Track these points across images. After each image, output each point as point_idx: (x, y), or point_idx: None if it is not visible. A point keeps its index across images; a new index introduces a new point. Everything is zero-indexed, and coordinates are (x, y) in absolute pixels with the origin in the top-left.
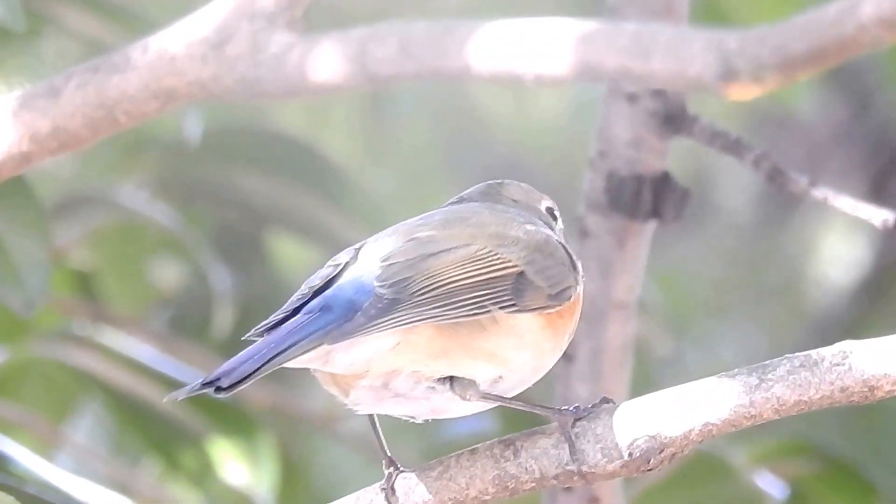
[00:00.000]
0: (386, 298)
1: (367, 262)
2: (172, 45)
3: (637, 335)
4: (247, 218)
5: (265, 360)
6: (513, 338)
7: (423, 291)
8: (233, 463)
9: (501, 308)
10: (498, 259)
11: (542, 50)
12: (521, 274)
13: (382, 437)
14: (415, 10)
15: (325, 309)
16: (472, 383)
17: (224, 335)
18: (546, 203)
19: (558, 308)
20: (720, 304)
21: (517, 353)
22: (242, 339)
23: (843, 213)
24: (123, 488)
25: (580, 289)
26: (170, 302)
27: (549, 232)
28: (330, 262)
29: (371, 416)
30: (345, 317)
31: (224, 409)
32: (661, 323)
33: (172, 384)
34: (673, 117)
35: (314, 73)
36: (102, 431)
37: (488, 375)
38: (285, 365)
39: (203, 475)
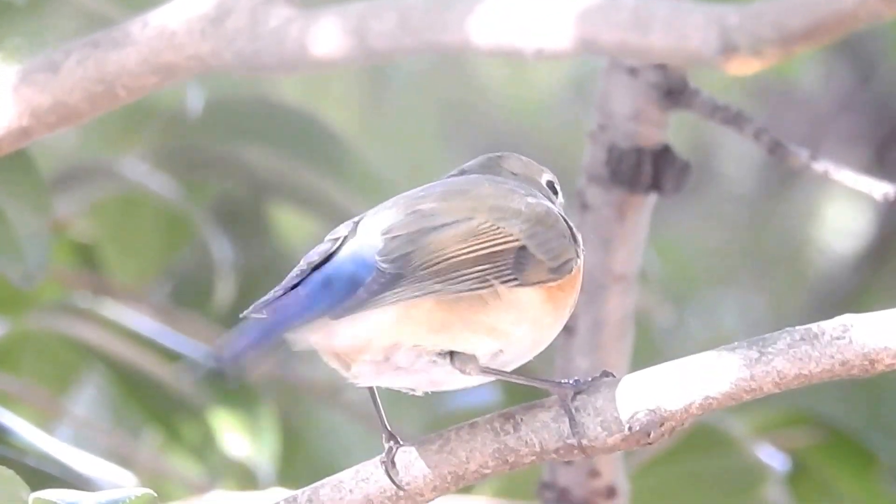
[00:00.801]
0: (388, 273)
1: (367, 236)
2: (172, 20)
3: (639, 306)
4: (248, 189)
5: (268, 337)
6: (513, 312)
7: (425, 266)
8: (233, 434)
9: (503, 282)
10: (500, 233)
11: (542, 24)
12: (523, 248)
13: (383, 411)
14: None
15: (326, 284)
16: (472, 358)
17: (225, 306)
18: (546, 176)
19: (559, 281)
20: (723, 273)
21: (517, 327)
22: (241, 315)
23: (843, 184)
24: (124, 460)
25: (580, 261)
26: (171, 274)
27: (549, 204)
28: (329, 237)
29: (371, 390)
30: (346, 292)
31: (225, 381)
32: (662, 294)
33: (173, 356)
34: (674, 91)
35: (313, 47)
36: (103, 403)
37: (489, 349)
38: (288, 340)
39: (204, 447)
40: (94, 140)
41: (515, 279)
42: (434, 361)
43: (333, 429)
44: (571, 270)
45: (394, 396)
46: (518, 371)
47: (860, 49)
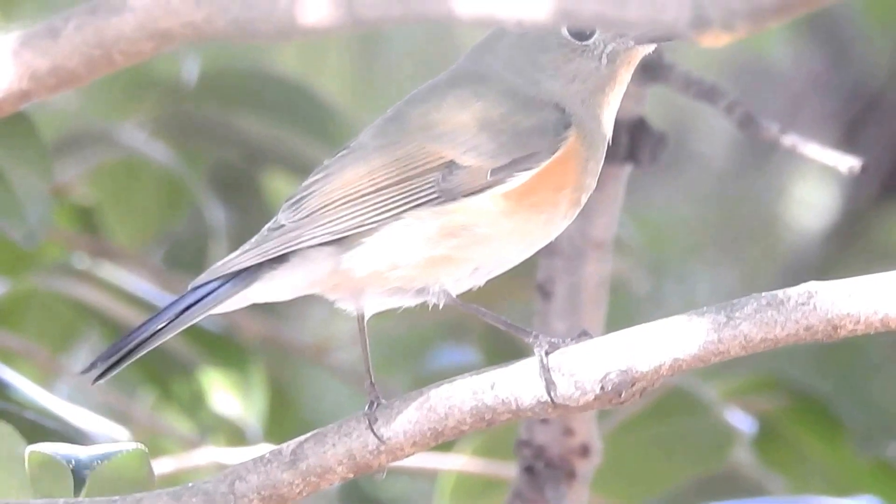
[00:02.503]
0: (276, 224)
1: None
2: None
3: (615, 273)
4: (242, 157)
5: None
6: (467, 234)
7: (310, 212)
8: (224, 393)
9: (419, 206)
10: (421, 154)
11: None
12: (451, 162)
13: (370, 361)
14: None
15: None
16: (443, 292)
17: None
18: (565, 26)
19: (520, 183)
20: (696, 246)
21: (478, 248)
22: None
23: (814, 162)
24: (119, 416)
25: (564, 147)
26: (167, 237)
27: (510, 98)
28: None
29: (362, 338)
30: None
31: (216, 341)
32: (638, 262)
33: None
34: (650, 65)
35: (303, 15)
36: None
37: (457, 274)
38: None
39: (195, 405)
40: (94, 108)
41: (438, 196)
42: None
43: (321, 389)
44: (541, 163)
45: (378, 357)
46: (498, 316)
47: (834, 32)
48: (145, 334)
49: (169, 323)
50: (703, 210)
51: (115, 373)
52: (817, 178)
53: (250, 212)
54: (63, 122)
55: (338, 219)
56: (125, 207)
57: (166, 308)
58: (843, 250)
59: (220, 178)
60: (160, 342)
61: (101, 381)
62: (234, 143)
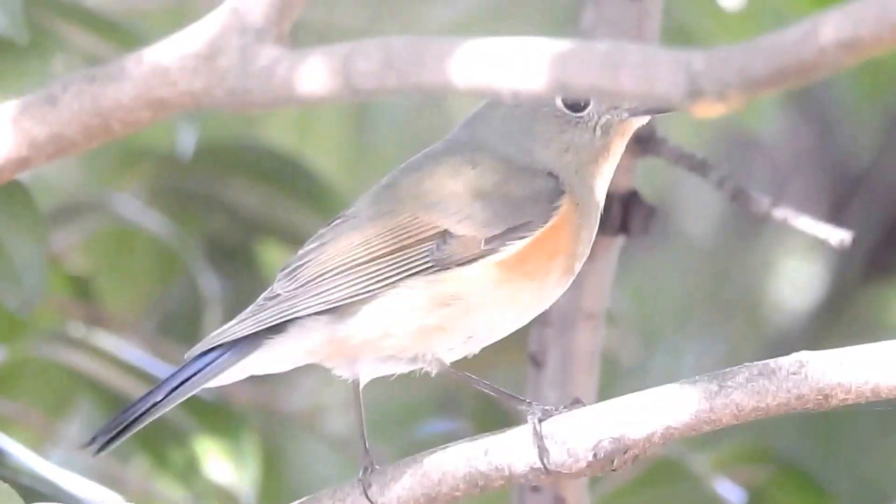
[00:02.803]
0: (272, 294)
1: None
2: (166, 57)
3: (605, 346)
4: (236, 227)
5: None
6: (460, 304)
7: (305, 282)
8: (217, 460)
9: (413, 275)
10: (415, 224)
11: (518, 67)
12: (445, 232)
13: (365, 428)
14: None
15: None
16: (436, 360)
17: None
18: (560, 97)
19: (513, 252)
20: (684, 321)
21: (471, 316)
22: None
23: (802, 238)
24: (114, 483)
25: (557, 215)
26: (161, 306)
27: (505, 167)
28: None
29: (357, 403)
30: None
31: (209, 409)
32: (629, 333)
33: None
34: (642, 137)
35: (300, 85)
36: (93, 429)
37: (450, 343)
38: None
39: (189, 472)
40: (90, 177)
41: (432, 266)
42: (401, 362)
43: (312, 456)
44: (534, 233)
45: (369, 423)
46: (491, 385)
47: (821, 110)
48: (145, 407)
49: (168, 395)
50: (690, 285)
51: (115, 445)
52: (804, 256)
53: (244, 282)
54: (59, 191)
55: (333, 288)
56: (120, 276)
57: (166, 380)
58: (828, 327)
59: (215, 248)
60: (160, 414)
61: (102, 453)
62: (228, 213)
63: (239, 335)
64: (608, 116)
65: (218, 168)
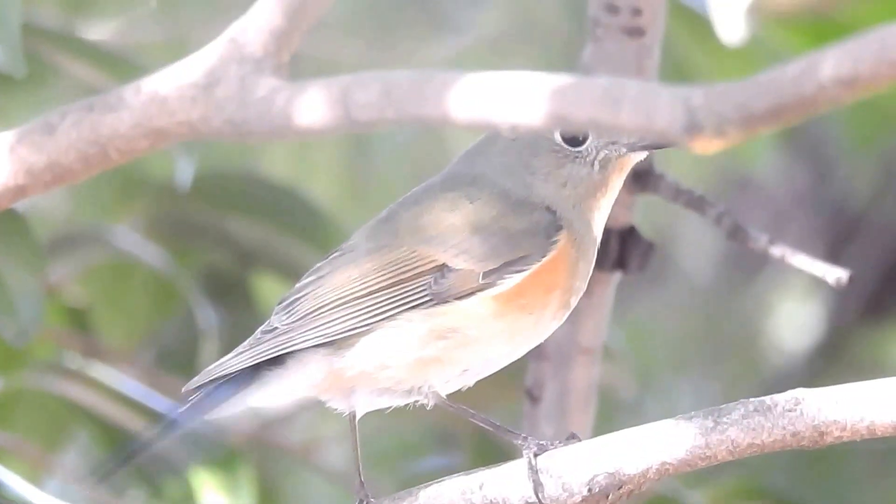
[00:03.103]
0: (269, 327)
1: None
2: (164, 86)
3: (602, 382)
4: (233, 259)
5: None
6: (457, 336)
7: (302, 315)
8: (213, 494)
9: (411, 309)
10: (413, 258)
11: (518, 100)
12: (444, 266)
13: (360, 461)
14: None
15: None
16: (432, 393)
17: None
18: (559, 131)
19: (510, 286)
20: (679, 361)
21: (468, 349)
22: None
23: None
24: None
25: (555, 249)
26: (158, 338)
27: (503, 200)
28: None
29: (353, 433)
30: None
31: (206, 442)
32: (625, 369)
33: (157, 417)
34: (641, 173)
35: (299, 116)
36: (91, 460)
37: (446, 375)
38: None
39: None
40: (87, 208)
41: (430, 299)
42: (396, 394)
43: (308, 489)
44: (531, 267)
45: (367, 457)
46: (486, 418)
47: (818, 151)
48: (146, 441)
49: (169, 426)
50: (686, 324)
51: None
52: (801, 297)
53: (241, 315)
54: (56, 222)
55: (331, 321)
56: (116, 308)
57: (166, 415)
58: (825, 369)
59: (212, 281)
60: (160, 443)
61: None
62: (226, 245)
63: (237, 368)
64: (606, 151)
65: (216, 200)
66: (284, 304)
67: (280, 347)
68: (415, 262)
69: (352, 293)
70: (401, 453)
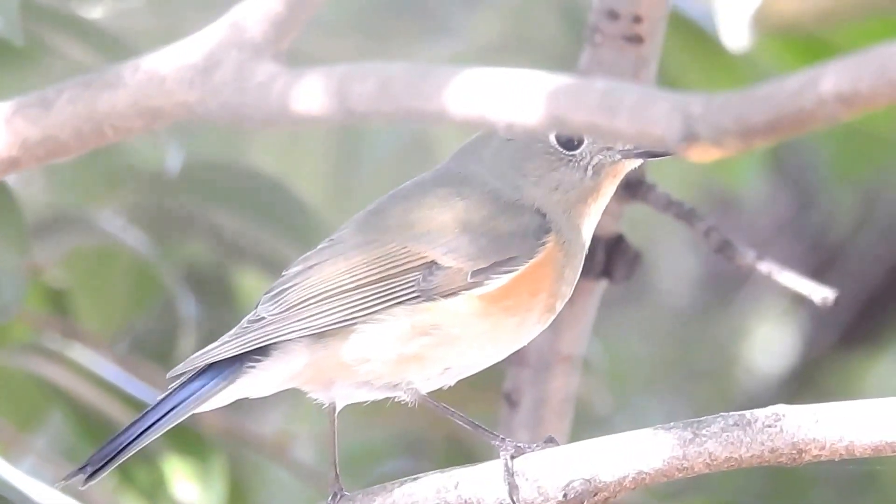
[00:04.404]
0: (256, 317)
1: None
2: (162, 66)
3: (578, 393)
4: (217, 251)
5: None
6: (439, 333)
7: (290, 306)
8: (184, 481)
9: (398, 304)
10: (403, 253)
11: (515, 99)
12: (433, 263)
13: (337, 455)
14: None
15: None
16: (413, 389)
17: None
18: (554, 132)
19: (497, 287)
20: (653, 380)
21: (450, 347)
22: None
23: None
24: (79, 498)
25: (542, 252)
26: (136, 325)
27: (492, 201)
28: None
29: (331, 427)
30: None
31: (179, 430)
32: (602, 382)
33: (133, 402)
34: (631, 182)
35: (295, 104)
36: (63, 440)
37: (427, 373)
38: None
39: (155, 491)
40: (73, 193)
41: (418, 296)
42: (376, 388)
43: (278, 485)
44: (519, 268)
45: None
46: (465, 417)
47: (803, 178)
48: (134, 435)
49: (157, 422)
50: (661, 344)
51: (104, 474)
52: (777, 323)
53: (220, 306)
54: (41, 204)
55: (318, 314)
56: (97, 293)
57: (153, 407)
58: (797, 395)
59: (194, 272)
60: (148, 442)
61: (92, 483)
62: (210, 236)
63: (222, 356)
64: (601, 157)
65: (202, 191)
66: (272, 293)
67: (267, 337)
68: (404, 258)
69: (339, 286)
70: (368, 456)
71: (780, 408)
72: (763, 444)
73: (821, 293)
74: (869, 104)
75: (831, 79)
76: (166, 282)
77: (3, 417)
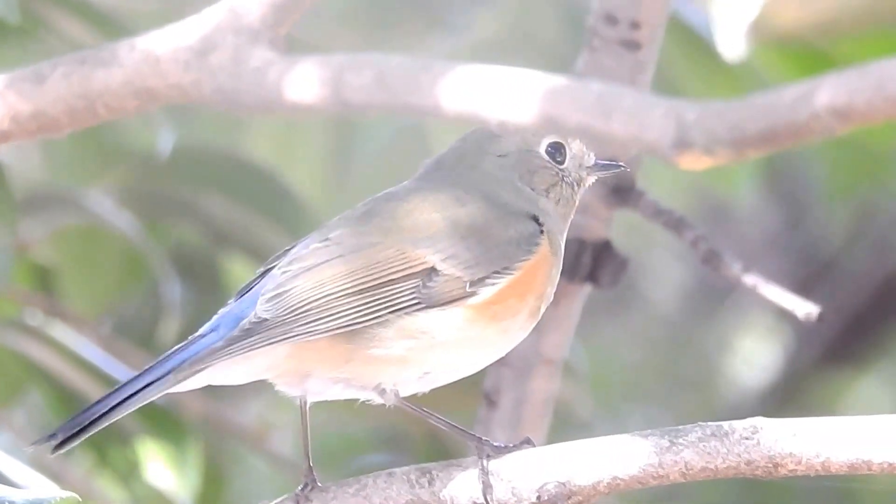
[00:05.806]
0: (258, 318)
1: (272, 274)
2: (159, 47)
3: (558, 397)
4: (205, 237)
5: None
6: (426, 338)
7: (291, 309)
8: (159, 465)
9: (398, 311)
10: (402, 259)
11: (510, 97)
12: (432, 269)
13: (309, 446)
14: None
15: (214, 329)
16: (389, 391)
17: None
18: (547, 141)
19: (489, 296)
20: (634, 388)
21: (434, 352)
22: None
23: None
24: (54, 478)
25: (537, 253)
26: (121, 307)
27: (487, 210)
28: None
29: (303, 417)
30: (223, 337)
31: (157, 413)
32: (583, 387)
33: (113, 383)
34: (621, 189)
35: (290, 91)
36: (40, 419)
37: (406, 376)
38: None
39: (130, 474)
40: (65, 170)
41: (419, 303)
42: (352, 388)
43: (255, 474)
44: (512, 273)
45: (313, 447)
46: (443, 418)
47: (793, 194)
48: (105, 408)
49: (128, 398)
50: (645, 353)
51: (73, 445)
52: (762, 336)
53: (206, 293)
54: (30, 182)
55: (324, 318)
56: (83, 272)
57: (126, 383)
58: (779, 410)
59: (181, 256)
60: (118, 417)
61: (60, 452)
62: (199, 222)
63: (232, 356)
64: (577, 172)
65: (194, 176)
66: (269, 295)
67: (274, 340)
68: (404, 263)
69: (342, 290)
70: (347, 449)
71: (758, 420)
72: (739, 456)
73: (805, 308)
74: (865, 119)
75: (827, 92)
76: (153, 265)
77: None
